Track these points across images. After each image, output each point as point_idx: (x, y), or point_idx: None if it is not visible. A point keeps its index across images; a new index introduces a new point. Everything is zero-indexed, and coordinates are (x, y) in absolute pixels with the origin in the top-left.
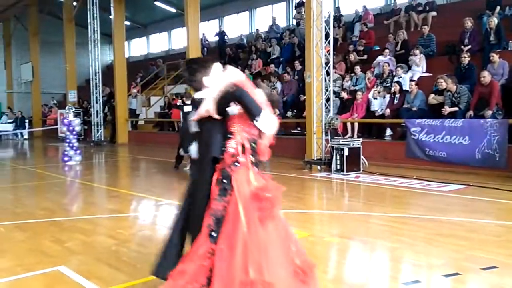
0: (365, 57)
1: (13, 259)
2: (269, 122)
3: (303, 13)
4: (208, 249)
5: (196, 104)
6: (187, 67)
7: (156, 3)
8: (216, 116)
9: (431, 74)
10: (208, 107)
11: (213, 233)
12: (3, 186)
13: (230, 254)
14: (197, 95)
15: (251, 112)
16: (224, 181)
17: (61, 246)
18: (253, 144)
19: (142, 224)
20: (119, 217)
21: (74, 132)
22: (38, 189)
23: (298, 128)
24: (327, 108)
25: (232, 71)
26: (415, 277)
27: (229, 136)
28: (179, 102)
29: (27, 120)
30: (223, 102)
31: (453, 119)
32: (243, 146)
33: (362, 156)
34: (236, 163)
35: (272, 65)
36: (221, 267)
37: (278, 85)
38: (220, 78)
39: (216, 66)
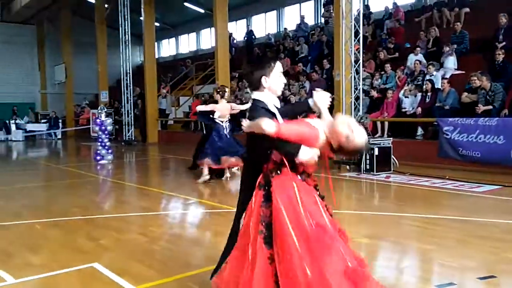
0: (396, 54)
1: (48, 255)
2: (307, 158)
3: (331, 11)
4: (267, 254)
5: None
6: (248, 65)
7: (185, 4)
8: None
9: (463, 72)
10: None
11: (267, 239)
12: (38, 185)
13: (286, 256)
14: (255, 95)
15: (285, 156)
16: (266, 187)
17: (95, 243)
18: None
19: (172, 222)
20: (150, 215)
21: (106, 132)
22: (72, 187)
23: None
24: (356, 107)
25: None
26: (449, 279)
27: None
28: (201, 108)
29: (60, 120)
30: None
31: (487, 118)
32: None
33: (392, 156)
34: (278, 171)
35: (300, 64)
36: (283, 269)
37: (307, 84)
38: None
39: (278, 67)
